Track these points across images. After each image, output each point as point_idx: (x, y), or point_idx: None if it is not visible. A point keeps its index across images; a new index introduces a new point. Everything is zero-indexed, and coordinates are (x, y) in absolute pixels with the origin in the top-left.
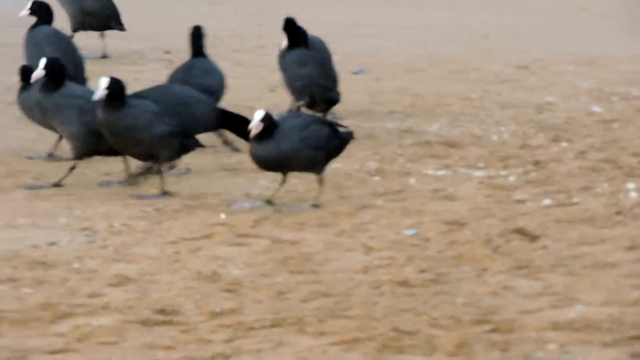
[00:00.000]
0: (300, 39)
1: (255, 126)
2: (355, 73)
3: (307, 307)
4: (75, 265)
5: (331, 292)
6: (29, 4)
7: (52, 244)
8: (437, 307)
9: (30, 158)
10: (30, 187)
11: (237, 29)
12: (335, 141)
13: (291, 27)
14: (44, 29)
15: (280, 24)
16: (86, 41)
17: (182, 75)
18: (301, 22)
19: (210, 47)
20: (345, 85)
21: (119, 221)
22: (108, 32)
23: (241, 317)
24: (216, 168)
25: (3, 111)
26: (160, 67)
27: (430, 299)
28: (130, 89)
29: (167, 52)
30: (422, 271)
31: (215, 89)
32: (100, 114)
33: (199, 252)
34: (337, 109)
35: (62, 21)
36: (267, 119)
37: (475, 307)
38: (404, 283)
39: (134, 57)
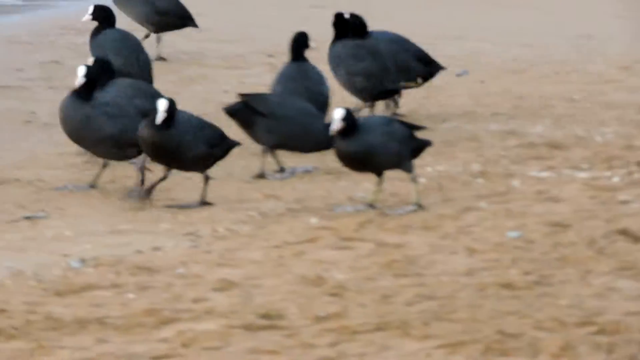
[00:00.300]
0: (350, 33)
1: (336, 124)
2: (459, 75)
3: (412, 311)
4: (180, 270)
5: (435, 295)
6: (91, 9)
7: (156, 249)
8: (541, 310)
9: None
10: (132, 195)
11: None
12: (414, 142)
13: (342, 22)
14: (109, 32)
15: (380, 27)
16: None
17: (299, 82)
18: (403, 24)
19: (309, 51)
20: (448, 88)
21: (222, 226)
22: (206, 36)
23: (345, 321)
24: (319, 171)
25: None
26: (263, 71)
27: (534, 301)
28: (234, 93)
29: (270, 56)
30: (526, 273)
31: (327, 97)
32: (147, 131)
33: (303, 256)
34: (440, 110)
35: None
36: (348, 117)
37: (579, 309)
38: (508, 285)
39: (237, 60)
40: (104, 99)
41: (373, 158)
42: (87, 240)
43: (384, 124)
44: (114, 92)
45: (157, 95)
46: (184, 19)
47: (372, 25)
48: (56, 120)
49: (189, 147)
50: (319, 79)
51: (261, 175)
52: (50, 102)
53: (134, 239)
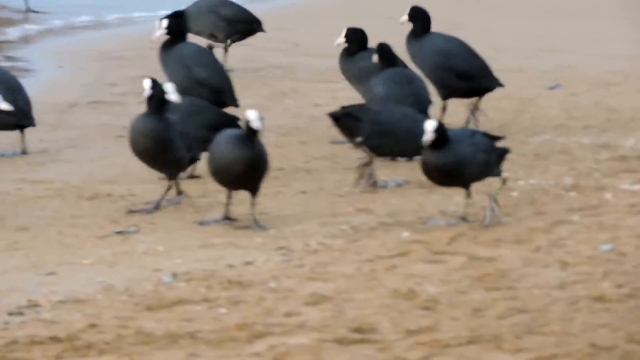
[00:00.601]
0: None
1: (428, 136)
2: (551, 88)
3: (504, 324)
4: (272, 284)
5: (528, 308)
6: (165, 23)
7: (248, 263)
8: (634, 322)
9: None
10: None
11: None
12: (496, 151)
13: (420, 14)
14: (186, 46)
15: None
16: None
17: (406, 87)
18: (497, 37)
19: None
20: (541, 101)
21: (314, 240)
22: (298, 51)
23: (437, 335)
24: (411, 185)
25: None
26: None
27: (627, 314)
28: (325, 106)
29: None
30: (618, 286)
31: (430, 101)
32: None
33: (395, 269)
34: (532, 124)
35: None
36: (440, 129)
37: None
38: (601, 298)
39: (328, 74)
40: (175, 118)
41: (463, 170)
42: (179, 255)
43: (469, 136)
44: (183, 110)
45: (220, 115)
46: (251, 24)
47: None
48: None
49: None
50: (421, 83)
51: (374, 184)
52: None
53: (226, 253)
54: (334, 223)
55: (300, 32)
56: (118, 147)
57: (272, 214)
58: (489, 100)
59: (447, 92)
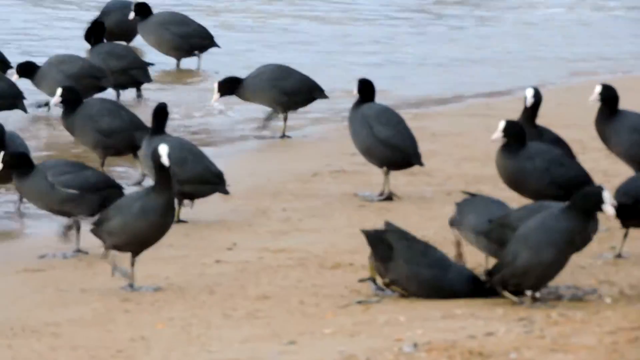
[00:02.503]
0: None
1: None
2: None
3: None
4: (513, 355)
5: None
6: (356, 85)
7: (489, 334)
8: None
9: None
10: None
11: None
12: None
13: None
14: (374, 105)
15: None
16: None
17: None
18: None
19: None
20: None
21: (556, 311)
22: None
23: None
24: None
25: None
26: (600, 156)
27: None
28: None
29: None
30: None
31: None
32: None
33: (637, 342)
34: None
35: None
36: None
37: None
38: None
39: (574, 146)
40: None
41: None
42: (420, 325)
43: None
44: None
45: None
46: (312, 92)
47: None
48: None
49: None
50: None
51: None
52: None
53: (468, 324)
54: (575, 295)
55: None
56: (360, 217)
57: None
58: None
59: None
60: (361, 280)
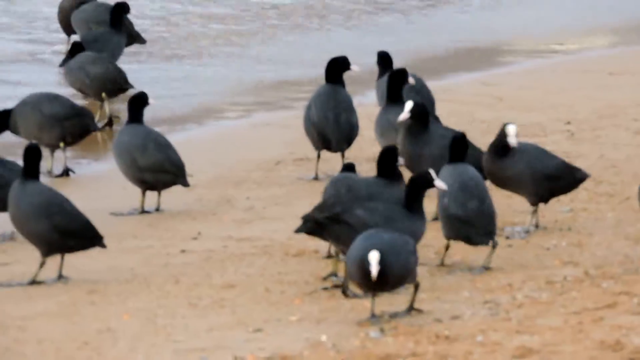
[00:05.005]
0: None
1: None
2: None
3: None
4: (479, 338)
5: None
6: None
7: (455, 317)
8: None
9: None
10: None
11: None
12: None
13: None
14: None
15: None
16: None
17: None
18: None
19: (611, 117)
20: None
21: (521, 293)
22: (505, 105)
23: None
24: (618, 237)
25: None
26: (561, 138)
27: None
28: None
29: (568, 123)
30: None
31: None
32: None
33: (602, 321)
34: None
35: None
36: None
37: None
38: None
39: (534, 129)
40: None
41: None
42: (388, 310)
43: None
44: None
45: None
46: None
47: None
48: None
49: None
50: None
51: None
52: None
53: (434, 308)
54: (541, 276)
55: (508, 87)
56: None
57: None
58: None
59: None
60: (325, 278)
